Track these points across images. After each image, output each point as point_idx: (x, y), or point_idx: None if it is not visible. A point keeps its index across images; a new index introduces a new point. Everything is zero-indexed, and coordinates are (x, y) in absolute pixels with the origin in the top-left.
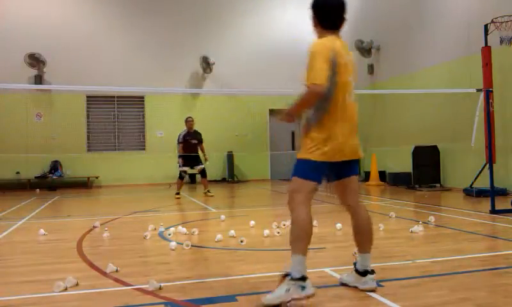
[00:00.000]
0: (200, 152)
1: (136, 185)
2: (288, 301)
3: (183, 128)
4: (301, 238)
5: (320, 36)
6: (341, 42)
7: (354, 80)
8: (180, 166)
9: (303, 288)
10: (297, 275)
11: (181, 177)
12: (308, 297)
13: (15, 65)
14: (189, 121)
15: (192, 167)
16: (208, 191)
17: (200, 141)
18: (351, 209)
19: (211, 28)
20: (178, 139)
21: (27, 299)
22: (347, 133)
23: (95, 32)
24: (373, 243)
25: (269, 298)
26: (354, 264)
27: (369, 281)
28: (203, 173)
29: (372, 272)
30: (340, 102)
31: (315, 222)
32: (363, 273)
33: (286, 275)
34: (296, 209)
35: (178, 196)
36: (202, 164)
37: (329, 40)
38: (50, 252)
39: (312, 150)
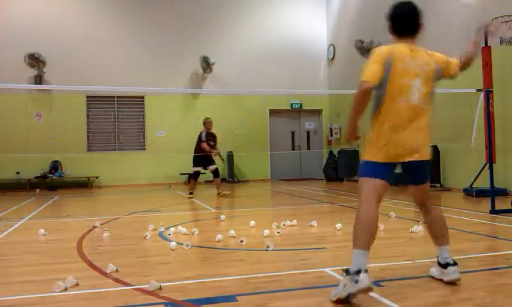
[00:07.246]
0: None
1: (136, 185)
2: (348, 296)
3: (202, 129)
4: (360, 232)
5: (393, 43)
6: (408, 47)
7: (423, 85)
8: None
9: (356, 281)
10: (353, 269)
11: (195, 177)
12: (362, 290)
13: (15, 65)
14: (208, 122)
15: (205, 168)
16: (222, 190)
17: (215, 143)
18: (422, 209)
19: (211, 28)
20: (201, 137)
21: (28, 299)
22: (402, 135)
23: (95, 32)
24: (449, 236)
25: (332, 295)
26: (437, 257)
27: (451, 273)
28: (215, 173)
29: (454, 263)
30: (394, 104)
31: (314, 223)
32: (445, 266)
33: (346, 270)
34: (360, 206)
35: (191, 196)
36: (215, 165)
37: (390, 46)
38: (50, 252)
39: (369, 152)
